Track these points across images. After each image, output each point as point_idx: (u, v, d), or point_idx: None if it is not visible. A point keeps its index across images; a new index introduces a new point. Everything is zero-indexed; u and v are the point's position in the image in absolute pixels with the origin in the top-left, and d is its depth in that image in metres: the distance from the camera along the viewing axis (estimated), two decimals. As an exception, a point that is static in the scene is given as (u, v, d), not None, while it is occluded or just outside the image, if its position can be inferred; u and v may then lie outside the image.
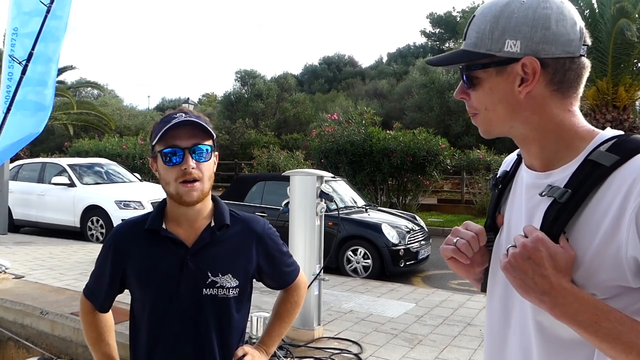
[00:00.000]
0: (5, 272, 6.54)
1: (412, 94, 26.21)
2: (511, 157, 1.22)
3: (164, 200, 1.61)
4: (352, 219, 7.89)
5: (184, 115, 1.48)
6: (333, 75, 40.61)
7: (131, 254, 1.55)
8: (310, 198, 4.41)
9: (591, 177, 0.93)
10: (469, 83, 1.05)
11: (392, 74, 35.02)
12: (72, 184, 10.69)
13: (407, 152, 13.01)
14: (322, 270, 4.49)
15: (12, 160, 11.46)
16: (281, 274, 1.70)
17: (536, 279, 0.90)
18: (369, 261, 7.54)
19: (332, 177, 4.99)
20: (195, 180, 1.47)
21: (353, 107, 18.67)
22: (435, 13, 39.37)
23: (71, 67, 20.70)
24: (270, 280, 1.70)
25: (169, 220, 1.56)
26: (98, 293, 1.63)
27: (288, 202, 4.51)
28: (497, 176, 1.20)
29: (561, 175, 0.99)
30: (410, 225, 8.27)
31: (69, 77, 35.62)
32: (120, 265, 1.57)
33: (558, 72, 0.97)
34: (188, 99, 25.04)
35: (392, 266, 7.45)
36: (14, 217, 11.20)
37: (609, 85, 12.42)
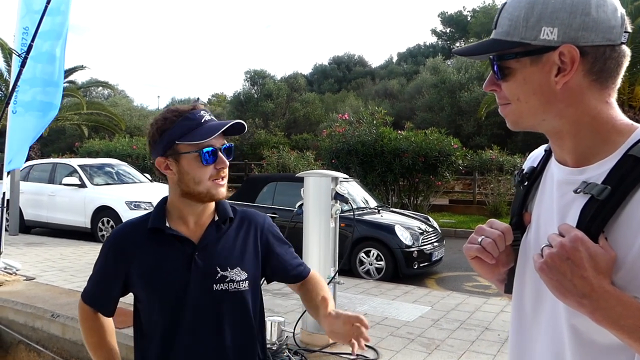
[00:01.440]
0: (16, 274, 6.51)
1: (423, 93, 26.04)
2: (538, 153, 1.15)
3: (164, 199, 1.59)
4: (364, 220, 7.78)
5: (207, 113, 1.50)
6: (343, 75, 40.48)
7: (134, 256, 1.51)
8: (325, 200, 4.31)
9: (632, 173, 0.87)
10: (500, 74, 0.98)
11: (402, 73, 34.85)
12: (82, 185, 10.67)
13: (419, 153, 12.88)
14: (337, 273, 4.40)
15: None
16: (291, 264, 1.65)
17: (575, 281, 0.84)
18: (382, 263, 7.44)
19: (346, 178, 4.90)
20: (223, 178, 1.51)
21: (364, 107, 18.53)
22: (447, 12, 39.18)
23: (82, 67, 20.71)
24: (280, 272, 1.64)
25: (173, 219, 1.54)
26: (100, 298, 1.60)
27: (302, 204, 4.42)
28: (524, 172, 1.13)
29: (597, 171, 0.93)
30: (424, 226, 8.15)
31: (79, 77, 35.80)
32: (123, 268, 1.52)
33: (598, 61, 0.91)
34: (198, 99, 25.02)
35: (406, 268, 7.34)
36: (25, 217, 11.21)
37: (625, 84, 12.23)
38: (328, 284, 4.24)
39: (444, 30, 40.10)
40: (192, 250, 1.50)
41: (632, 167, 0.88)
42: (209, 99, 44.59)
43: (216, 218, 1.56)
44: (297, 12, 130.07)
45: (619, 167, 0.90)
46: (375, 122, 13.70)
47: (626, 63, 0.95)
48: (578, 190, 0.93)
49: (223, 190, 1.50)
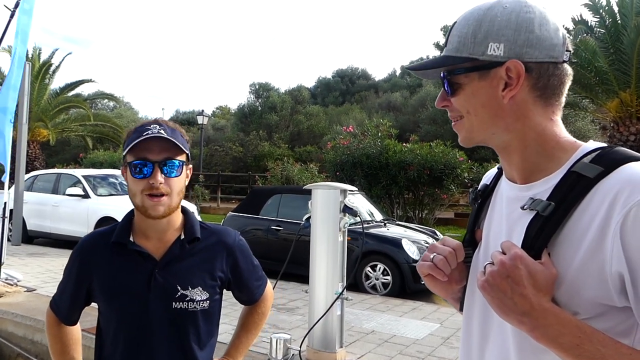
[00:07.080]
0: (17, 285, 6.41)
1: (427, 106, 26.01)
2: (492, 171, 1.19)
3: (132, 212, 1.57)
4: (371, 233, 7.66)
5: (157, 127, 1.46)
6: (346, 88, 40.58)
7: (97, 267, 1.52)
8: (333, 213, 4.22)
9: (575, 189, 0.90)
10: (450, 89, 1.01)
11: (405, 86, 34.89)
12: (86, 195, 10.61)
13: (424, 165, 12.78)
14: (345, 289, 4.29)
15: (27, 171, 11.43)
16: (250, 289, 1.69)
17: (515, 299, 0.86)
18: (389, 278, 7.31)
19: (356, 190, 4.81)
20: (162, 195, 1.45)
21: (368, 120, 18.46)
22: (449, 26, 39.14)
23: (89, 80, 20.97)
24: (239, 293, 1.69)
25: (137, 233, 1.54)
26: (63, 305, 1.61)
27: (310, 217, 4.32)
28: (477, 190, 1.17)
29: (543, 188, 0.95)
30: (431, 240, 8.03)
31: (85, 90, 35.91)
32: (86, 278, 1.54)
33: (542, 78, 0.95)
34: (202, 111, 25.04)
35: (413, 283, 7.20)
36: (28, 227, 11.15)
37: (632, 97, 12.09)
38: (336, 299, 4.14)
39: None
40: (153, 267, 1.50)
41: (574, 183, 0.90)
42: (213, 111, 44.68)
43: (182, 236, 1.55)
44: (301, 26, 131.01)
45: (562, 184, 0.92)
46: (380, 134, 13.62)
47: (569, 82, 0.97)
48: (525, 207, 0.95)
49: (160, 208, 1.45)
